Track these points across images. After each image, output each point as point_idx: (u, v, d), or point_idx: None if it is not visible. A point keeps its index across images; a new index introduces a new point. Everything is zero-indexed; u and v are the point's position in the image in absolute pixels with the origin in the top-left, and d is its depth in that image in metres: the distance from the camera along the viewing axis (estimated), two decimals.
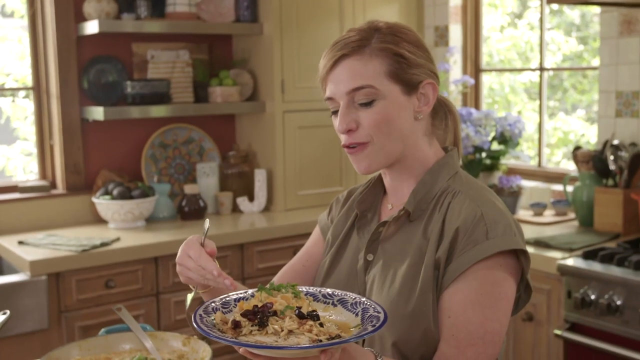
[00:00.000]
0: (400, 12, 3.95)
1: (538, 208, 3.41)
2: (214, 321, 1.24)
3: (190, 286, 1.51)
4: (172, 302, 3.11)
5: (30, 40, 3.49)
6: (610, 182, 3.16)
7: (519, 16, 6.14)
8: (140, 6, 3.40)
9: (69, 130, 3.44)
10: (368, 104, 1.38)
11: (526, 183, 3.66)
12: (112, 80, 3.52)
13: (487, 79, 5.71)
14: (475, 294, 1.31)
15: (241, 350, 1.17)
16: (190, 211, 3.50)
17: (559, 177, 3.61)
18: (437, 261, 1.35)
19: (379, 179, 1.55)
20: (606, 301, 2.55)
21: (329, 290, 1.34)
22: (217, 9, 3.58)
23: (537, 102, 5.80)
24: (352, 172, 3.85)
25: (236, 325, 1.19)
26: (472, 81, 3.81)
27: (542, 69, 3.77)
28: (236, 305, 1.30)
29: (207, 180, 3.66)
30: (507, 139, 3.56)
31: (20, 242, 3.07)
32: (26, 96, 4.02)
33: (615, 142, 3.16)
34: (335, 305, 1.31)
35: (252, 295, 1.31)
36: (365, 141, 1.39)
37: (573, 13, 6.02)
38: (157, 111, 3.42)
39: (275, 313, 1.20)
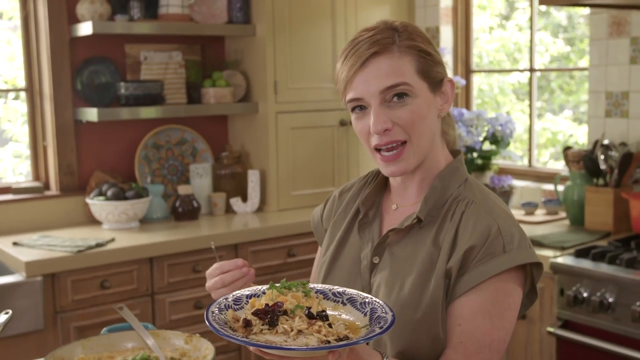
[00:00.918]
0: (391, 13, 3.97)
1: (529, 207, 3.44)
2: (226, 319, 1.26)
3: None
4: (167, 302, 3.12)
5: (23, 41, 3.49)
6: (601, 181, 3.20)
7: (507, 18, 6.19)
8: (134, 7, 3.40)
9: (62, 131, 3.45)
10: (401, 101, 1.36)
11: (517, 183, 3.69)
12: (106, 81, 3.52)
13: (476, 80, 5.75)
14: (486, 303, 1.33)
15: (252, 347, 1.19)
16: (184, 212, 3.50)
17: (549, 177, 3.65)
18: (449, 271, 1.35)
19: (383, 177, 1.54)
20: (598, 299, 2.58)
21: (339, 289, 1.35)
22: (210, 10, 3.60)
23: (525, 102, 5.85)
24: (345, 172, 3.87)
25: (247, 324, 1.22)
26: (463, 82, 3.85)
27: (532, 69, 3.81)
28: (248, 302, 1.32)
29: (200, 181, 3.67)
30: (498, 139, 3.60)
31: (15, 243, 3.07)
32: (16, 97, 4.01)
33: (606, 141, 3.19)
34: (344, 304, 1.33)
35: (264, 293, 1.33)
36: (404, 139, 1.38)
37: (560, 14, 6.07)
38: (150, 112, 3.42)
39: (285, 312, 1.22)
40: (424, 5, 4.06)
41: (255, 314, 1.23)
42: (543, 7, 5.67)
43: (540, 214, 3.46)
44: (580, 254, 2.76)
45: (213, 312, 1.26)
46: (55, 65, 3.39)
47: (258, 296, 1.33)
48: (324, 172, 3.83)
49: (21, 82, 3.59)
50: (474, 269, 1.34)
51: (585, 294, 2.64)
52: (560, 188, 3.39)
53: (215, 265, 1.47)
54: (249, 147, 3.80)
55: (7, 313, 1.69)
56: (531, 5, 3.79)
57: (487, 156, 3.62)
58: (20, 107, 4.04)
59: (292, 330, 1.19)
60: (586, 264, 2.69)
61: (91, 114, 3.34)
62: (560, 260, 2.75)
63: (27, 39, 3.48)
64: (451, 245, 1.37)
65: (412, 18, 4.10)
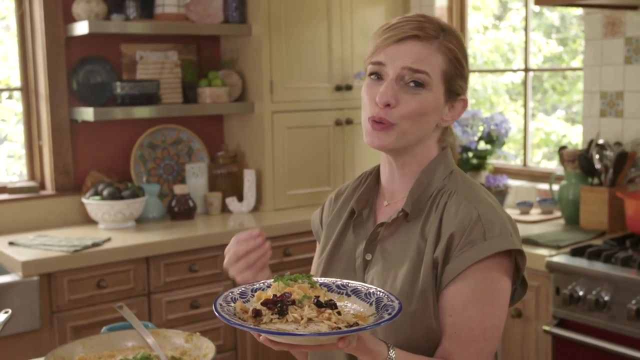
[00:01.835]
0: (386, 13, 3.98)
1: (525, 207, 3.46)
2: (235, 310, 1.27)
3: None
4: (164, 302, 3.12)
5: (18, 40, 3.48)
6: (596, 180, 3.22)
7: (500, 18, 6.21)
8: (129, 7, 3.40)
9: (57, 131, 3.44)
10: (415, 88, 1.38)
11: (512, 182, 3.71)
12: (101, 81, 3.52)
13: (470, 80, 5.76)
14: (475, 292, 1.35)
15: (261, 338, 1.21)
16: (180, 211, 3.51)
17: (544, 176, 3.66)
18: (435, 261, 1.38)
19: (374, 176, 1.56)
20: (594, 297, 2.60)
21: (342, 281, 1.37)
22: (206, 10, 3.60)
23: (518, 103, 5.87)
24: (340, 171, 3.88)
25: (257, 313, 1.23)
26: None
27: (527, 69, 3.83)
28: (254, 295, 1.33)
29: (196, 181, 3.67)
30: (493, 139, 3.61)
31: (11, 243, 3.06)
32: (9, 97, 4.01)
33: (600, 141, 3.21)
34: (349, 296, 1.34)
35: (269, 286, 1.34)
36: (393, 123, 1.39)
37: (553, 15, 6.09)
38: (146, 112, 3.42)
39: (293, 302, 1.23)
40: (419, 5, 4.07)
41: (264, 304, 1.24)
42: (536, 8, 5.70)
43: (535, 213, 3.48)
44: (576, 252, 2.77)
45: (221, 304, 1.27)
46: (50, 64, 3.39)
47: (263, 289, 1.34)
48: (319, 171, 3.83)
49: (15, 82, 3.58)
50: (456, 257, 1.36)
51: (581, 293, 2.66)
52: (555, 187, 3.41)
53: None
54: (244, 147, 3.81)
55: (6, 312, 1.69)
56: (526, 6, 3.80)
57: (482, 156, 3.63)
58: (14, 106, 4.02)
59: (302, 319, 1.20)
60: (582, 262, 2.70)
61: (87, 113, 3.33)
62: (555, 259, 2.76)
63: (22, 38, 3.47)
64: (436, 235, 1.39)
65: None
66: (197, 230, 3.30)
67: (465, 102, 1.46)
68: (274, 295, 1.25)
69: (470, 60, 4.86)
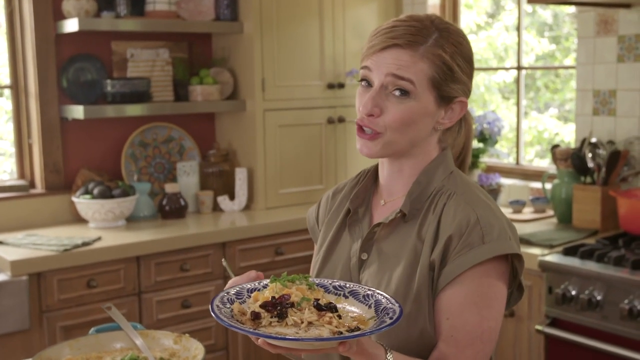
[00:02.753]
0: (379, 10, 3.97)
1: (517, 205, 3.45)
2: (232, 312, 1.25)
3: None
4: (154, 302, 3.10)
5: (8, 38, 3.45)
6: (589, 179, 3.21)
7: (493, 16, 6.20)
8: (120, 4, 3.37)
9: (48, 129, 3.41)
10: (400, 97, 1.36)
11: (505, 181, 3.70)
12: (92, 78, 3.49)
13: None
14: (472, 295, 1.34)
15: (259, 341, 1.19)
16: (171, 210, 3.48)
17: (536, 175, 3.66)
18: (432, 263, 1.36)
19: (372, 174, 1.54)
20: (586, 296, 2.59)
21: (339, 282, 1.35)
22: (197, 7, 3.58)
23: (511, 101, 5.86)
24: (333, 170, 3.86)
25: (256, 316, 1.21)
26: None
27: (519, 67, 3.82)
28: (250, 296, 1.31)
29: (187, 179, 3.65)
30: (486, 137, 3.60)
31: (0, 242, 3.03)
32: None
33: (593, 140, 3.20)
34: (346, 297, 1.32)
35: (265, 287, 1.32)
36: (379, 131, 1.38)
37: (545, 13, 6.09)
38: (137, 110, 3.40)
39: (292, 305, 1.21)
40: (411, 3, 4.06)
41: (263, 306, 1.22)
42: (529, 7, 5.69)
43: (528, 212, 3.47)
44: (569, 252, 2.76)
45: (218, 306, 1.25)
46: (40, 62, 3.36)
47: (260, 290, 1.32)
48: (311, 170, 3.82)
49: (5, 79, 3.55)
50: (454, 260, 1.34)
51: (573, 292, 2.65)
52: (548, 186, 3.40)
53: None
54: (236, 145, 3.79)
55: None
56: (518, 4, 3.79)
57: (475, 154, 3.62)
58: (4, 104, 3.99)
59: (302, 323, 1.18)
60: (574, 262, 2.69)
61: (77, 111, 3.31)
62: (548, 258, 2.75)
63: (12, 35, 3.44)
64: (433, 237, 1.38)
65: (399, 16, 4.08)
66: (188, 229, 3.28)
67: (463, 103, 1.43)
68: (273, 297, 1.23)
69: None
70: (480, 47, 5.99)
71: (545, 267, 2.74)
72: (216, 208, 3.68)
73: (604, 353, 2.57)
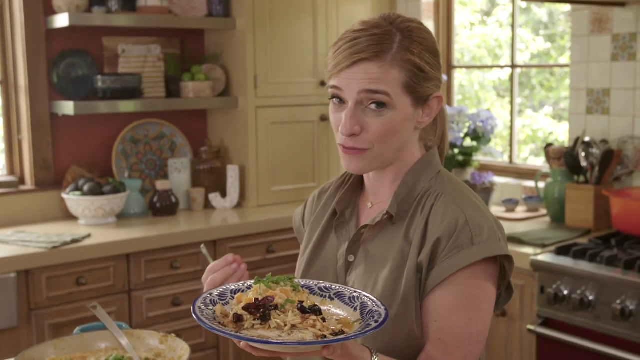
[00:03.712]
0: (373, 8, 3.94)
1: (510, 204, 3.43)
2: (214, 314, 1.22)
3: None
4: (144, 299, 3.07)
5: None
6: (582, 178, 3.19)
7: (488, 14, 6.18)
8: None
9: (38, 125, 3.38)
10: (378, 110, 1.33)
11: (498, 179, 3.68)
12: (83, 74, 3.47)
13: (457, 76, 5.74)
14: (461, 298, 1.31)
15: (242, 344, 1.16)
16: (162, 207, 3.46)
17: (530, 174, 3.64)
18: (420, 265, 1.34)
19: (358, 176, 1.52)
20: (579, 296, 2.57)
21: (325, 284, 1.33)
22: (189, 3, 3.55)
23: (506, 99, 5.85)
24: (325, 168, 3.84)
25: (238, 319, 1.18)
26: (444, 77, 3.83)
27: (513, 65, 3.80)
28: (233, 297, 1.28)
29: (178, 176, 3.62)
30: (479, 136, 3.58)
31: None
32: None
33: (587, 139, 3.19)
34: (332, 299, 1.30)
35: (249, 288, 1.29)
36: (366, 148, 1.35)
37: (541, 11, 6.07)
38: (128, 106, 3.37)
39: (276, 307, 1.19)
40: (405, 0, 4.03)
41: (246, 308, 1.20)
42: (523, 4, 5.68)
43: (521, 211, 3.45)
44: (561, 251, 2.75)
45: (200, 308, 1.23)
46: (30, 57, 3.33)
47: (243, 291, 1.29)
48: (304, 167, 3.79)
49: None
50: (442, 262, 1.32)
51: (565, 292, 2.63)
52: (541, 185, 3.38)
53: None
54: (228, 142, 3.76)
55: None
56: (513, 1, 3.77)
57: (468, 152, 3.60)
58: None
59: (285, 325, 1.16)
60: (567, 261, 2.68)
61: (68, 107, 3.28)
62: (540, 257, 2.74)
63: (2, 30, 3.41)
64: (421, 239, 1.35)
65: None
66: (179, 227, 3.26)
67: (439, 98, 1.40)
68: (256, 299, 1.21)
69: (457, 55, 4.82)
70: (474, 44, 5.97)
71: (537, 266, 2.73)
72: (208, 205, 3.66)
73: (596, 353, 2.55)
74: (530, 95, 6.24)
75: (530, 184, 3.56)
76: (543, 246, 2.84)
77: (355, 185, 1.52)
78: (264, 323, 1.17)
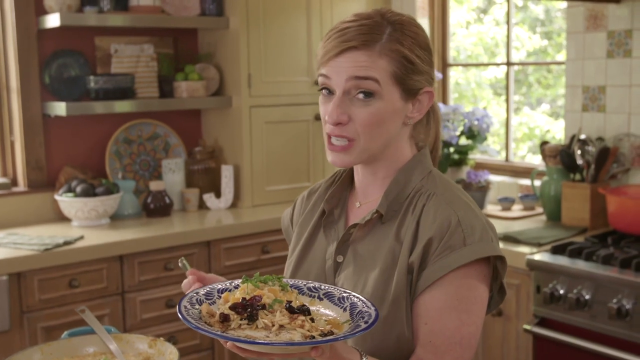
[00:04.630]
0: (367, 6, 3.92)
1: (506, 203, 3.41)
2: (200, 313, 1.20)
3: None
4: (138, 301, 3.05)
5: None
6: (578, 176, 3.17)
7: (485, 11, 6.16)
8: None
9: (30, 126, 3.36)
10: (365, 99, 1.31)
11: (494, 178, 3.66)
12: (75, 74, 3.44)
13: (453, 75, 5.72)
14: (452, 299, 1.29)
15: (228, 344, 1.14)
16: (156, 208, 3.43)
17: (526, 172, 3.62)
18: (411, 265, 1.32)
19: (347, 175, 1.50)
20: (575, 296, 2.55)
21: (314, 284, 1.31)
22: (182, 2, 3.52)
23: (503, 97, 5.83)
24: (320, 167, 3.82)
25: (225, 318, 1.16)
26: (439, 76, 3.80)
27: (509, 63, 3.78)
28: (220, 296, 1.26)
29: (172, 177, 3.60)
30: (475, 134, 3.56)
31: None
32: None
33: (582, 136, 3.17)
34: (321, 299, 1.28)
35: (236, 287, 1.27)
36: (352, 138, 1.33)
37: (537, 8, 6.05)
38: (121, 106, 3.35)
39: (264, 307, 1.16)
40: None
41: (233, 308, 1.17)
42: (520, 1, 5.66)
43: (517, 210, 3.43)
44: (557, 250, 2.73)
45: (186, 307, 1.20)
46: (22, 58, 3.30)
47: (230, 290, 1.27)
48: (299, 167, 3.77)
49: None
50: (434, 263, 1.30)
51: (561, 291, 2.61)
52: (537, 183, 3.36)
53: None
54: (222, 142, 3.74)
55: None
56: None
57: (463, 151, 3.58)
58: None
59: (273, 326, 1.14)
60: (563, 260, 2.66)
61: (60, 108, 3.25)
62: (536, 257, 2.72)
63: None
64: (412, 239, 1.33)
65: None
66: (173, 228, 3.24)
67: (430, 93, 1.39)
68: (243, 299, 1.18)
69: (454, 54, 4.80)
70: (470, 42, 5.95)
71: (533, 266, 2.71)
72: (202, 206, 3.63)
73: (593, 353, 2.54)
74: (528, 92, 6.21)
75: (526, 182, 3.54)
76: (539, 245, 2.82)
77: (345, 184, 1.50)
78: (251, 323, 1.15)
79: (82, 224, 3.24)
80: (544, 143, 3.30)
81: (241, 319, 1.16)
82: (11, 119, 3.41)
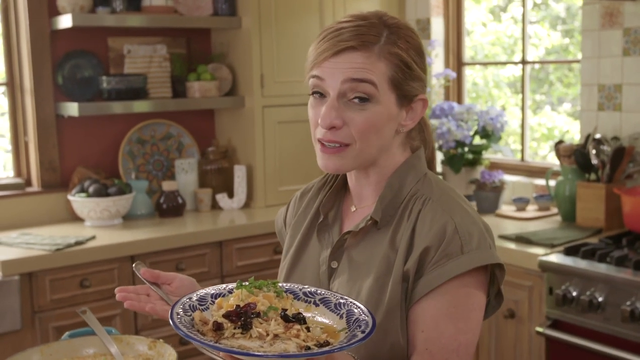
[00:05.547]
0: (381, 5, 3.90)
1: (521, 203, 3.37)
2: (193, 321, 1.16)
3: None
4: None
5: (3, 34, 3.41)
6: (593, 176, 3.12)
7: (504, 9, 6.10)
8: (116, 0, 3.33)
9: (43, 126, 3.38)
10: (361, 104, 1.27)
11: (509, 178, 3.62)
12: (88, 75, 3.45)
13: (470, 74, 5.67)
14: (448, 307, 1.26)
15: (221, 354, 1.11)
16: (169, 208, 3.44)
17: (542, 172, 3.57)
18: (406, 273, 1.28)
19: (341, 178, 1.46)
20: (588, 298, 2.51)
21: (310, 288, 1.27)
22: (195, 2, 3.52)
23: (521, 96, 5.78)
24: None
25: (218, 327, 1.12)
26: (453, 75, 3.77)
27: (524, 62, 3.73)
28: (213, 302, 1.23)
29: (185, 177, 3.60)
30: (489, 133, 3.52)
31: None
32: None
33: (597, 136, 3.12)
34: (317, 305, 1.24)
35: (230, 292, 1.24)
36: (347, 143, 1.29)
37: (558, 6, 5.99)
38: (134, 106, 3.35)
39: (258, 314, 1.13)
40: None
41: (226, 316, 1.14)
42: (538, 0, 5.60)
43: (531, 210, 3.39)
44: (570, 251, 2.68)
45: (178, 314, 1.17)
46: (35, 58, 3.32)
47: (224, 295, 1.24)
48: (311, 166, 3.75)
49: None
50: (431, 271, 1.26)
51: (574, 293, 2.57)
52: (552, 183, 3.32)
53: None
54: (235, 142, 3.73)
55: None
56: None
57: (477, 151, 3.54)
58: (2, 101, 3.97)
59: (268, 335, 1.10)
60: (576, 262, 2.61)
61: (72, 108, 3.26)
62: (549, 258, 2.68)
63: (7, 32, 3.40)
64: (408, 246, 1.29)
65: (403, 10, 4.02)
66: (185, 228, 3.24)
67: (424, 101, 1.35)
68: (237, 306, 1.15)
69: (471, 53, 4.75)
70: (487, 41, 5.90)
71: (545, 267, 2.67)
72: (215, 206, 3.63)
73: (606, 356, 2.49)
74: (549, 91, 6.15)
75: (542, 182, 3.49)
76: (552, 246, 2.78)
77: (339, 187, 1.46)
78: (245, 332, 1.11)
79: (95, 224, 3.25)
80: (558, 142, 3.25)
81: (235, 328, 1.12)
82: (25, 120, 3.43)
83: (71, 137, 3.47)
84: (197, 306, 1.22)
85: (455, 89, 4.00)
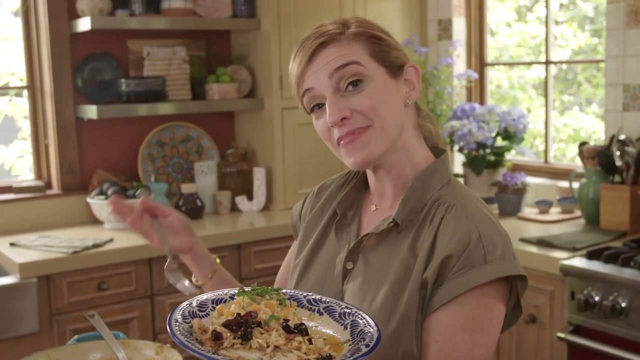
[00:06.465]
0: (402, 5, 3.86)
1: (544, 206, 3.31)
2: (192, 329, 1.13)
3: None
4: (167, 304, 3.04)
5: (23, 37, 3.43)
6: (617, 178, 3.06)
7: (530, 9, 6.03)
8: (135, 2, 3.33)
9: (63, 129, 3.39)
10: (357, 88, 1.27)
11: (532, 180, 3.56)
12: (107, 78, 3.46)
13: (495, 75, 5.61)
14: (466, 318, 1.22)
15: None
16: (188, 211, 3.43)
17: (565, 174, 3.51)
18: (425, 281, 1.24)
19: (362, 176, 1.44)
20: (610, 303, 2.45)
21: (315, 296, 1.24)
22: (214, 4, 3.51)
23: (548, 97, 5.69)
24: None
25: (217, 336, 1.09)
26: (475, 75, 3.72)
27: (548, 62, 3.67)
28: (214, 308, 1.20)
29: (205, 179, 3.59)
30: (511, 135, 3.46)
31: (12, 244, 3.01)
32: (18, 95, 4.00)
33: (622, 137, 3.05)
34: (321, 314, 1.21)
35: (232, 298, 1.21)
36: (366, 125, 1.28)
37: (586, 6, 5.90)
38: (153, 109, 3.35)
39: (259, 324, 1.10)
40: None
41: (226, 325, 1.10)
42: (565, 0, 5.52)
43: (555, 213, 3.32)
44: (593, 255, 2.62)
45: (177, 321, 1.14)
46: (55, 61, 3.33)
47: (225, 301, 1.21)
48: (331, 169, 3.70)
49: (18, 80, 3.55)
50: (452, 280, 1.22)
51: (597, 298, 2.51)
52: (576, 185, 3.25)
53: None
54: (255, 144, 3.72)
55: None
56: None
57: (499, 152, 3.49)
58: (23, 104, 4.00)
59: (268, 346, 1.07)
60: (598, 266, 2.56)
61: (92, 111, 3.27)
62: (571, 262, 2.62)
63: (27, 35, 3.42)
64: (428, 253, 1.25)
65: (424, 10, 3.98)
66: (204, 230, 3.22)
67: (414, 67, 1.35)
68: (238, 314, 1.12)
69: (496, 54, 4.69)
70: (512, 42, 5.83)
71: (567, 271, 2.61)
72: (234, 209, 3.61)
73: None
74: (577, 92, 6.06)
75: (565, 184, 3.43)
76: (574, 250, 2.72)
77: (359, 185, 1.44)
78: (245, 342, 1.08)
79: (114, 226, 3.26)
80: (582, 144, 3.19)
81: (234, 338, 1.09)
82: (45, 123, 3.44)
83: (91, 139, 3.48)
84: (197, 312, 1.19)
85: (477, 90, 3.95)
